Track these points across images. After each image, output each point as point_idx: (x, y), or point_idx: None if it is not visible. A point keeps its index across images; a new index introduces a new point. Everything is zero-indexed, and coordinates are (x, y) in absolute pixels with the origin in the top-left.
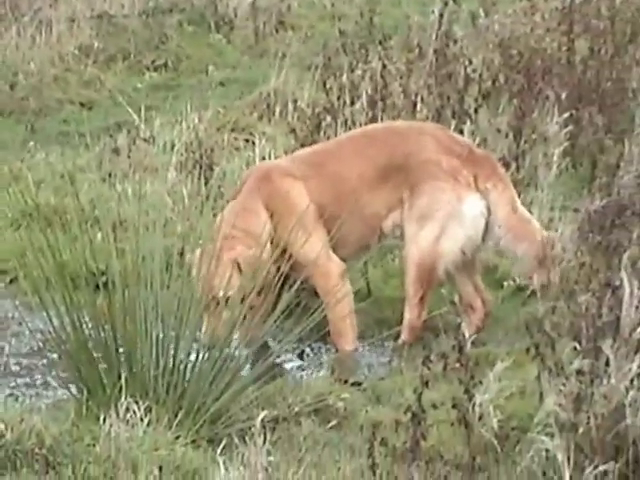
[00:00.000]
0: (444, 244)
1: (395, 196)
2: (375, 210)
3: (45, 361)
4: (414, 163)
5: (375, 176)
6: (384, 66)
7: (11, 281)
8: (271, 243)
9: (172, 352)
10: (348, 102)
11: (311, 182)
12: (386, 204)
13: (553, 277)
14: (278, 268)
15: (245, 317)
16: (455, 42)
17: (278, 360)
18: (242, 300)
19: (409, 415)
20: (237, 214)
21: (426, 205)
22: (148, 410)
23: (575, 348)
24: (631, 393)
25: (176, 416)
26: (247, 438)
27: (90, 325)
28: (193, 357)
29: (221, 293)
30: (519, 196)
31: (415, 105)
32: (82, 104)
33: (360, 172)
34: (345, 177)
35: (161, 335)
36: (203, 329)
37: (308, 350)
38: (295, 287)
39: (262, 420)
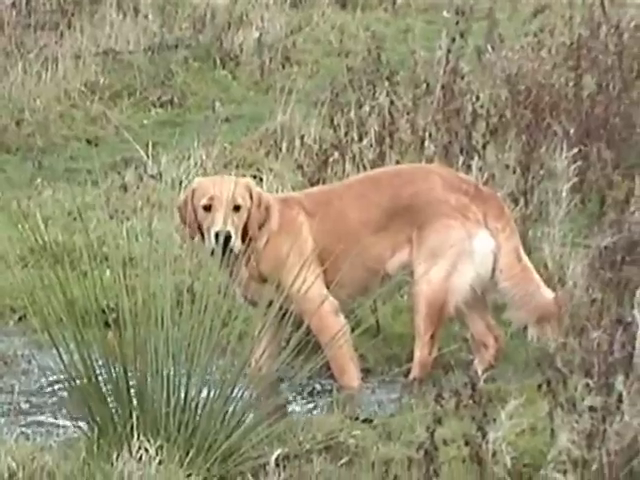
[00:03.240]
0: (454, 281)
1: (401, 237)
2: (378, 252)
3: (55, 399)
4: (422, 202)
5: (379, 218)
6: (391, 102)
7: (20, 319)
8: None
9: (183, 389)
10: (356, 138)
11: (315, 219)
12: (391, 245)
13: (554, 334)
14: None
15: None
16: (462, 78)
17: (288, 397)
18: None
19: (421, 452)
20: None
21: (436, 243)
22: (160, 448)
23: (587, 384)
24: None
25: (187, 454)
26: (260, 476)
27: (100, 362)
28: (204, 395)
29: (239, 200)
30: (528, 232)
31: (423, 141)
32: (88, 141)
33: (363, 215)
34: (347, 219)
35: (172, 373)
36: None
37: (318, 387)
38: (305, 324)
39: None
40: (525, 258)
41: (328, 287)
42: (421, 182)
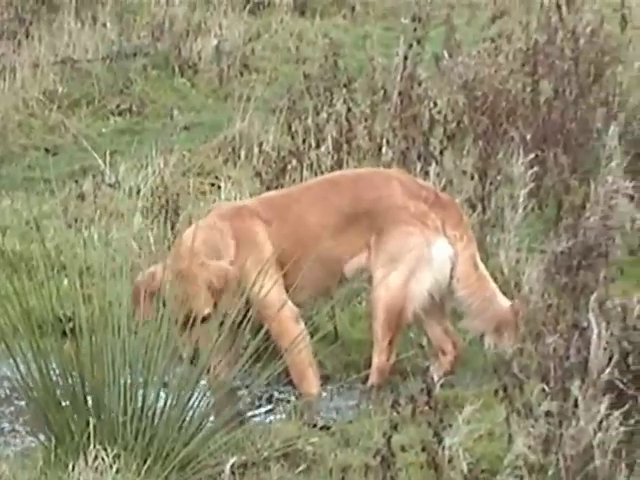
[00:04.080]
0: (412, 287)
1: (360, 241)
2: (337, 255)
3: (12, 409)
4: (381, 208)
5: (338, 221)
6: (349, 109)
7: None
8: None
9: (140, 398)
10: (313, 145)
11: (273, 225)
12: (349, 249)
13: (511, 342)
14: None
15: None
16: (419, 84)
17: (246, 405)
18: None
19: (378, 459)
20: (204, 231)
21: (395, 249)
22: (117, 457)
23: (543, 390)
24: (599, 434)
25: (145, 462)
26: None
27: (57, 372)
28: (161, 403)
29: (206, 311)
30: (485, 238)
31: (380, 148)
32: (47, 150)
33: (322, 217)
34: (307, 222)
35: (129, 381)
36: (185, 349)
37: (276, 394)
38: (263, 331)
39: (231, 466)
40: (482, 266)
41: (288, 290)
42: (382, 188)
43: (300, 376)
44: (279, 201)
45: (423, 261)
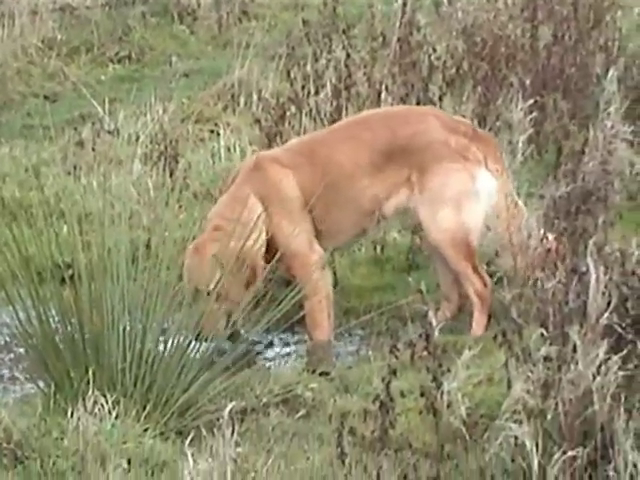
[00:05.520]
0: (465, 220)
1: (398, 178)
2: (374, 194)
3: (12, 355)
4: (421, 144)
5: (372, 159)
6: (348, 55)
7: None
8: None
9: (139, 344)
10: (312, 92)
11: (302, 170)
12: (387, 187)
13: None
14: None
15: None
16: (419, 30)
17: (246, 350)
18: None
19: (377, 404)
20: (227, 204)
21: (438, 187)
22: (116, 403)
23: (542, 335)
24: (598, 379)
25: (144, 408)
26: (215, 429)
27: (57, 319)
28: (160, 349)
29: (211, 286)
30: None
31: (380, 94)
32: (46, 97)
33: (355, 156)
34: (339, 162)
35: (128, 327)
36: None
37: (276, 340)
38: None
39: (230, 411)
40: (520, 202)
41: (322, 234)
42: (418, 123)
43: (315, 322)
44: (304, 145)
45: (469, 194)
